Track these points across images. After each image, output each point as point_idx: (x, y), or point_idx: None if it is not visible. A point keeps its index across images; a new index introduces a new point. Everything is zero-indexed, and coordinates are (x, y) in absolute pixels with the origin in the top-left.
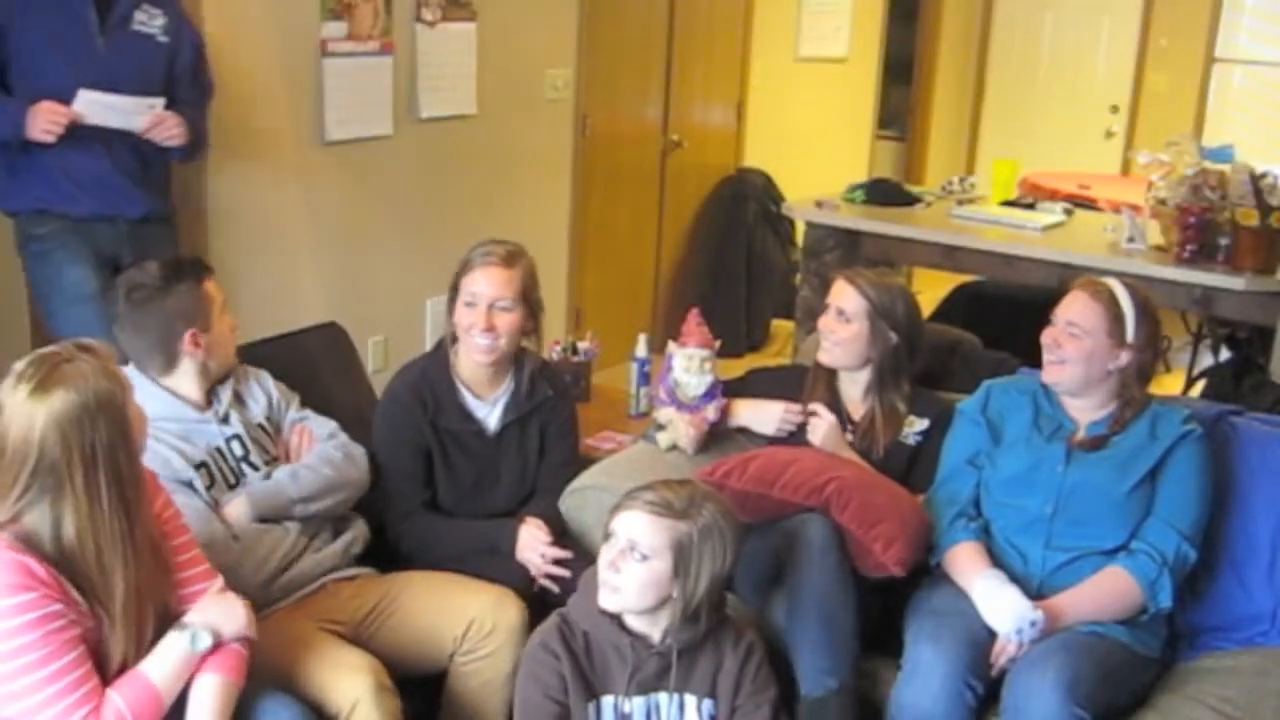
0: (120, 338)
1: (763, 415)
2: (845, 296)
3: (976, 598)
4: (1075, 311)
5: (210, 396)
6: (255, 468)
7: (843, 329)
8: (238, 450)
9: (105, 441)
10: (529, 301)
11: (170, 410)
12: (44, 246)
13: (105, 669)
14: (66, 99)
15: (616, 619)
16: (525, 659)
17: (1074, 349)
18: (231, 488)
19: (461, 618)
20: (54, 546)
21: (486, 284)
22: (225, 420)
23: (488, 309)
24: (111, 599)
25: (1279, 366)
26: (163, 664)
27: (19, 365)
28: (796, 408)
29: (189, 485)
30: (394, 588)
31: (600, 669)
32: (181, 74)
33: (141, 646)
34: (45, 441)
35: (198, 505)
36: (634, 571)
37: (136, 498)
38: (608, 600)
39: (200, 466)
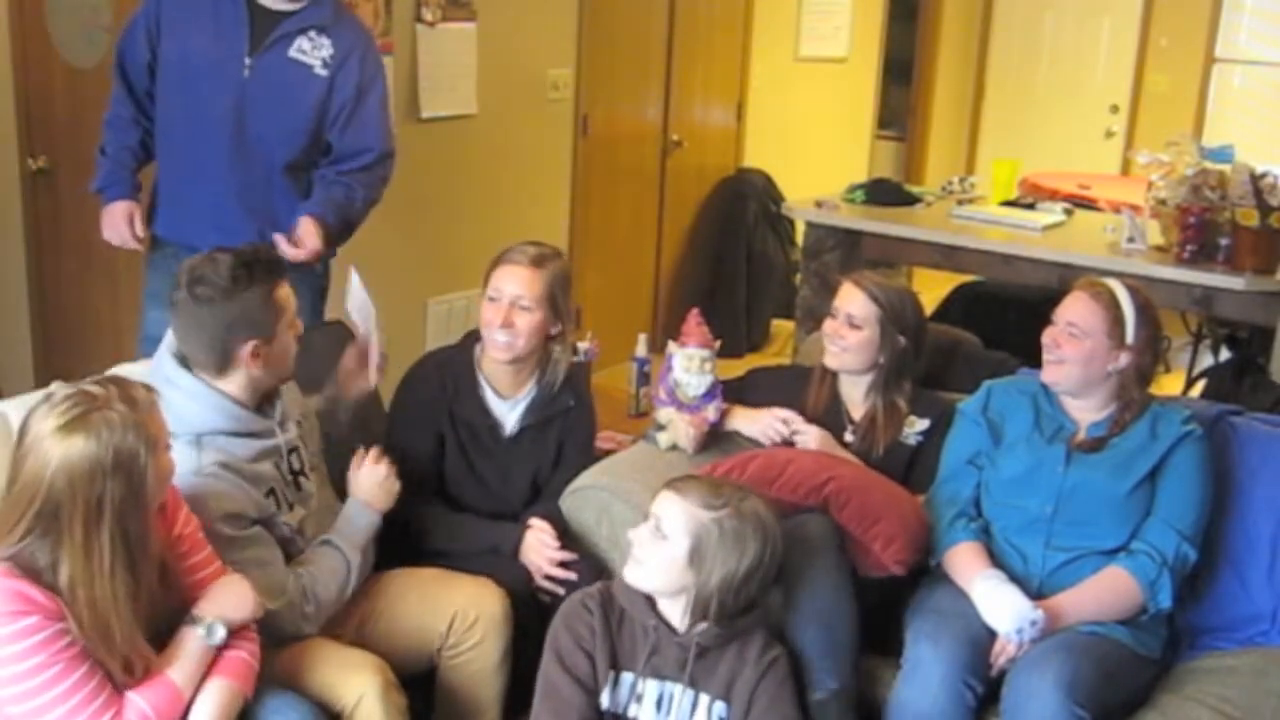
0: (174, 328)
1: (754, 423)
2: (854, 302)
3: (976, 598)
4: (1075, 312)
5: (264, 401)
6: (307, 478)
7: (852, 335)
8: (295, 463)
9: (115, 499)
10: (555, 306)
11: (233, 422)
12: (150, 268)
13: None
14: (203, 121)
15: (650, 601)
16: (561, 611)
17: (1073, 350)
18: (290, 508)
19: (444, 613)
20: (51, 582)
21: (510, 282)
22: (283, 426)
23: (508, 306)
24: (110, 645)
25: (1279, 366)
26: (180, 661)
27: (59, 392)
28: (785, 415)
29: (266, 524)
30: (376, 591)
31: (627, 644)
32: (337, 116)
33: (146, 670)
34: (54, 485)
35: (277, 560)
36: (653, 549)
37: (144, 555)
38: (629, 572)
39: (269, 494)
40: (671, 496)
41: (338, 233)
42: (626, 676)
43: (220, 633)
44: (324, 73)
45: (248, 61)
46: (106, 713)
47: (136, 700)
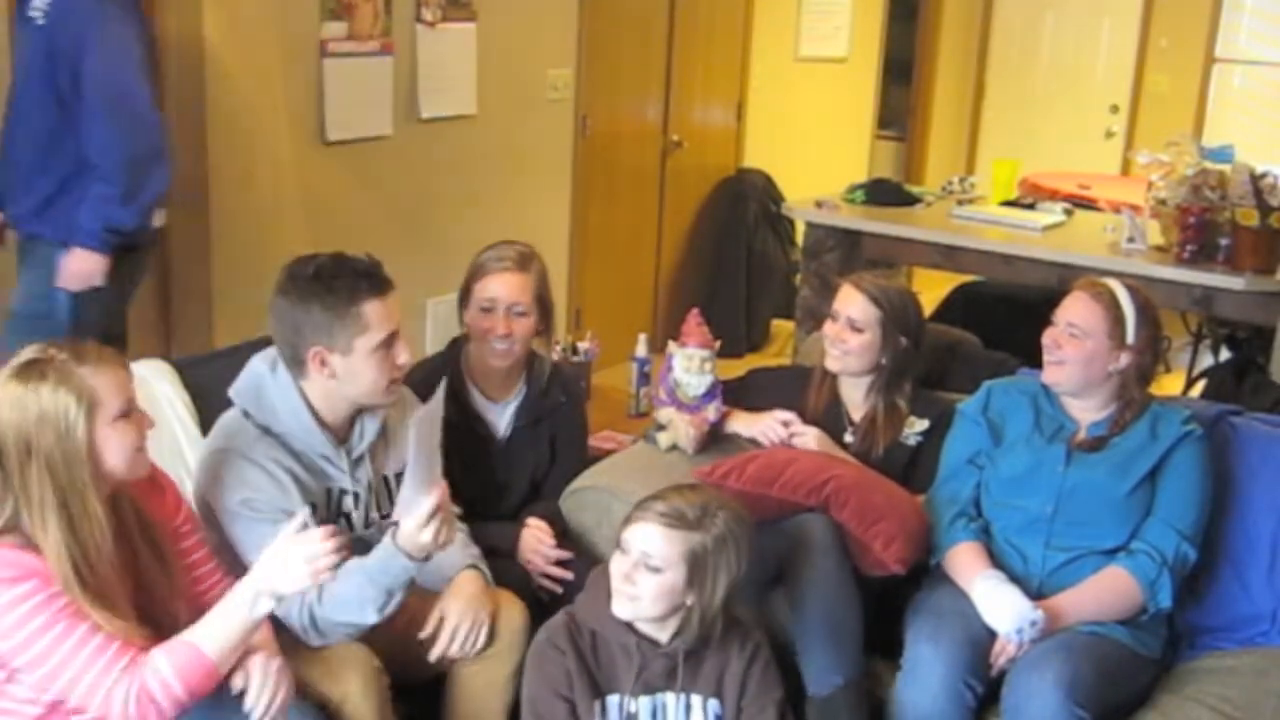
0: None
1: (754, 424)
2: (854, 304)
3: (976, 598)
4: (1076, 312)
5: (352, 425)
6: (352, 528)
7: (854, 338)
8: (347, 504)
9: (44, 449)
10: (544, 304)
11: (302, 436)
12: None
13: None
14: (11, 107)
15: (624, 619)
16: (531, 655)
17: (1074, 350)
18: None
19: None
20: (30, 540)
21: (503, 289)
22: (358, 464)
23: (505, 314)
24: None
25: (1279, 366)
26: (216, 631)
27: (25, 349)
28: (785, 416)
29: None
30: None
31: (606, 668)
32: (63, 65)
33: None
34: (2, 429)
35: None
36: (648, 583)
37: (83, 513)
38: (623, 610)
39: (311, 507)
40: (649, 528)
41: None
42: (613, 700)
43: (265, 606)
44: (43, 22)
45: (15, 34)
46: (121, 658)
47: (160, 661)
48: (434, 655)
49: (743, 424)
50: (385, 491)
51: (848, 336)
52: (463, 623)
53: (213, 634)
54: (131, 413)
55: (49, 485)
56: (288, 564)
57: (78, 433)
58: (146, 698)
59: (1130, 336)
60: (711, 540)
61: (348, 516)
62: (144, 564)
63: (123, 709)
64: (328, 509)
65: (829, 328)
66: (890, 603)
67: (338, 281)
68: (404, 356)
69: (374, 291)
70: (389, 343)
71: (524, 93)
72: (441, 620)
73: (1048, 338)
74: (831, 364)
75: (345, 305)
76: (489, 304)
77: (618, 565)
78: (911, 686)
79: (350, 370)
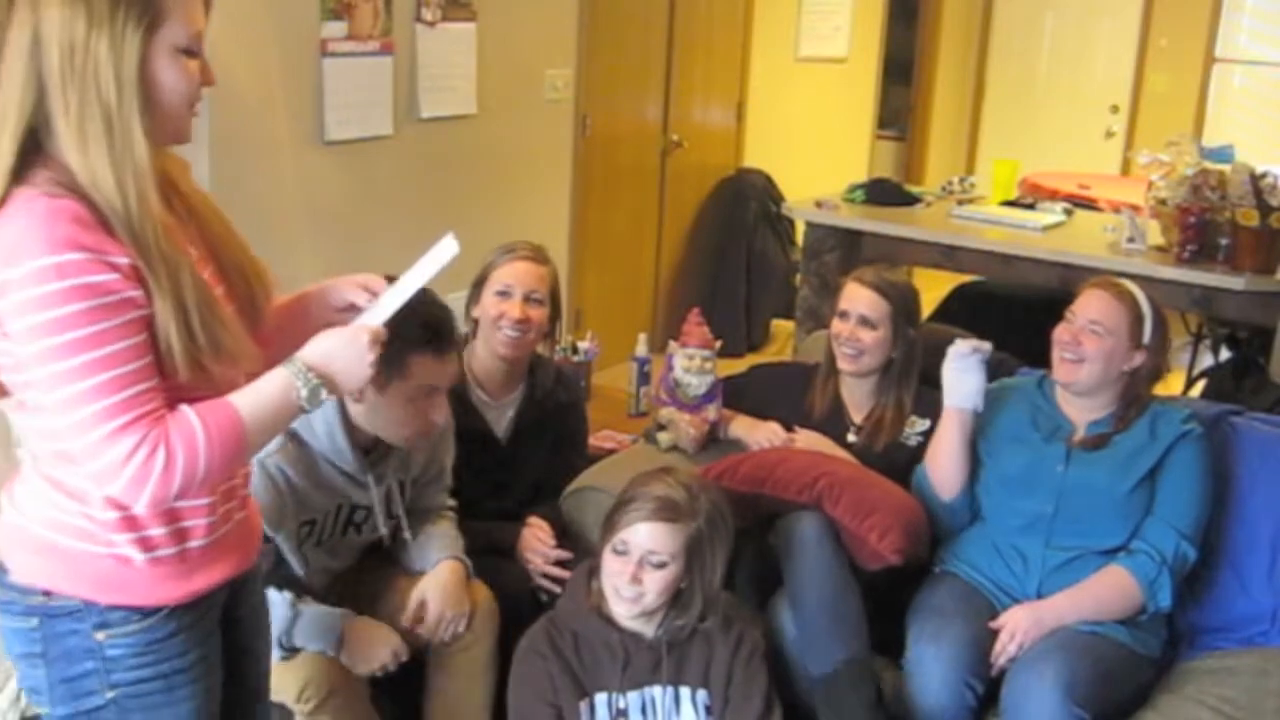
0: None
1: (755, 435)
2: (864, 301)
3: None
4: (1099, 310)
5: (380, 449)
6: (359, 533)
7: (868, 335)
8: (357, 517)
9: (95, 57)
10: (555, 301)
11: (333, 454)
12: None
13: None
14: None
15: (606, 616)
16: (515, 663)
17: (1095, 347)
18: (319, 545)
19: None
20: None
21: (523, 276)
22: (379, 483)
23: (523, 300)
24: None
25: (1279, 366)
26: (256, 399)
27: None
28: (785, 435)
29: (265, 539)
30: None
31: (591, 667)
32: None
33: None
34: (51, 28)
35: None
36: (655, 579)
37: (127, 147)
38: (628, 609)
39: (307, 524)
40: (649, 527)
41: None
42: (600, 698)
43: (320, 397)
44: None
45: None
46: (148, 404)
47: (185, 410)
48: (421, 630)
49: (744, 430)
50: (400, 498)
51: (861, 334)
52: (445, 610)
53: (251, 400)
54: (198, 57)
55: (95, 106)
56: (360, 357)
57: (131, 44)
58: (164, 448)
59: (1147, 337)
60: (705, 523)
61: (357, 526)
62: (223, 240)
63: (126, 457)
64: (335, 521)
65: (839, 327)
66: (890, 603)
67: (405, 329)
68: (440, 416)
69: (430, 349)
70: (429, 395)
71: (524, 93)
72: (423, 606)
73: (1065, 334)
74: (845, 365)
75: (402, 353)
76: (505, 288)
77: (618, 566)
78: (912, 686)
79: (383, 410)
